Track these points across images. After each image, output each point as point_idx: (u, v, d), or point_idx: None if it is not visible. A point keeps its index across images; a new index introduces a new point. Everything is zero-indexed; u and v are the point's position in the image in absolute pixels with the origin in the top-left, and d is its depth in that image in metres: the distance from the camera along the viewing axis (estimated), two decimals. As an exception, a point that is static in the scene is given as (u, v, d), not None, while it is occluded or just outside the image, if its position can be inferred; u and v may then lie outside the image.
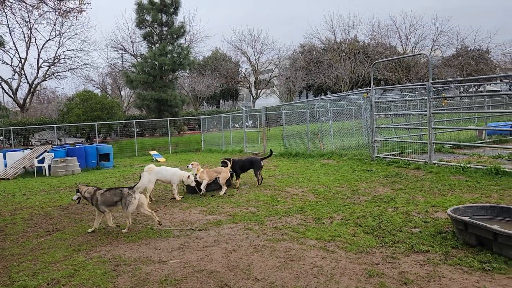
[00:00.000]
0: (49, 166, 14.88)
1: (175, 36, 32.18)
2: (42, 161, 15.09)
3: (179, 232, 5.55)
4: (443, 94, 12.02)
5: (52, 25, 32.11)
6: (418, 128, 12.31)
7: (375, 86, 10.93)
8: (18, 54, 33.54)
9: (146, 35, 31.97)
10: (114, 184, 11.06)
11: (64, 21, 29.17)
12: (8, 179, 13.82)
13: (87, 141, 25.88)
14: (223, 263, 4.22)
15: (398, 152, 10.95)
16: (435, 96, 10.03)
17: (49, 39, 34.23)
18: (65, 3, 6.67)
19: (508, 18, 67.20)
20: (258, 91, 50.72)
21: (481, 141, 12.38)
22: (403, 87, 16.42)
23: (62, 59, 35.78)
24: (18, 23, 29.63)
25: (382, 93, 30.27)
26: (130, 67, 39.57)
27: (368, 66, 40.98)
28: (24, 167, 15.01)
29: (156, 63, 30.33)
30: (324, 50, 47.20)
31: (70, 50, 36.69)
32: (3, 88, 33.83)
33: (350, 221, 5.42)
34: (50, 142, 25.55)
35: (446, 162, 9.03)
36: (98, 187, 6.14)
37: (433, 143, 9.37)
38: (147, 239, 5.33)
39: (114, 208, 5.87)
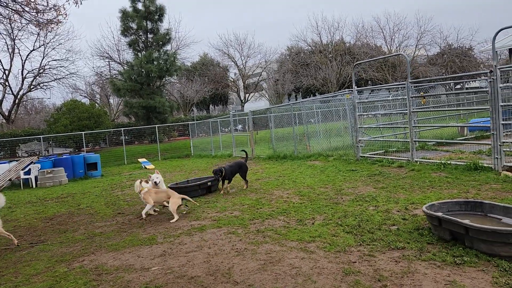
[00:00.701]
0: (36, 178, 14.75)
1: (161, 43, 32.14)
2: (28, 172, 14.95)
3: (163, 239, 5.58)
4: (422, 93, 12.23)
5: (36, 36, 31.81)
6: (400, 127, 12.50)
7: (363, 86, 11.09)
8: (2, 65, 33.15)
9: (132, 42, 31.88)
10: (101, 193, 11.02)
11: (47, 32, 28.94)
12: (-6, 192, 13.66)
13: (76, 151, 25.67)
14: (204, 268, 4.27)
15: (383, 151, 11.11)
16: (414, 95, 10.21)
17: (33, 50, 33.87)
18: (42, 15, 6.68)
19: (488, 15, 68.51)
20: (247, 95, 50.87)
21: (463, 138, 12.61)
22: (383, 87, 16.69)
23: (48, 69, 35.44)
24: (0, 34, 29.31)
25: (370, 93, 30.65)
26: (117, 75, 39.37)
27: (355, 67, 41.43)
28: (10, 180, 14.84)
29: (142, 70, 30.25)
30: (311, 52, 47.59)
31: (55, 60, 36.26)
32: (-13, 100, 33.36)
33: (331, 221, 5.50)
34: (37, 153, 25.26)
35: (428, 159, 9.20)
36: None
37: (415, 141, 9.54)
38: (130, 247, 5.35)
39: None
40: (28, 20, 6.62)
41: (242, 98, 51.03)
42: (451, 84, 32.62)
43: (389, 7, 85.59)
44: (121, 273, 4.37)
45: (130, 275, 4.28)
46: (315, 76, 43.25)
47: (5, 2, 7.66)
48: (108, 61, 42.22)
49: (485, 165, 7.70)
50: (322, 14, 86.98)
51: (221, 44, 62.17)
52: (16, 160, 17.27)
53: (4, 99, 34.10)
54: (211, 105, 59.18)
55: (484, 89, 8.02)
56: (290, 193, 7.78)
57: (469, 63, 42.10)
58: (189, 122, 26.67)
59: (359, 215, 5.63)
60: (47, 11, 7.61)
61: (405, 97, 9.41)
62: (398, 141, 11.47)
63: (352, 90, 11.42)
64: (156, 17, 31.34)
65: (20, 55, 34.45)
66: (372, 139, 11.88)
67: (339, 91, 35.67)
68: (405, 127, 11.18)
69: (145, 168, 17.88)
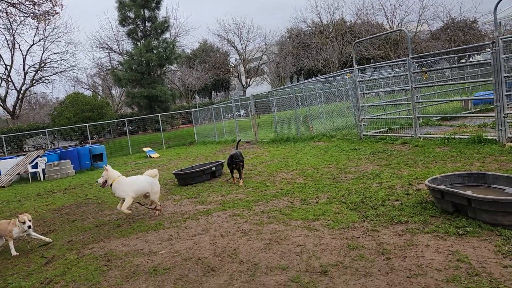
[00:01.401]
0: (43, 171, 14.94)
1: (159, 31, 31.90)
2: (35, 166, 15.13)
3: (169, 224, 5.66)
4: (423, 68, 12.07)
5: (35, 30, 31.71)
6: (403, 104, 12.41)
7: (365, 65, 10.97)
8: (3, 61, 33.21)
9: (130, 32, 31.68)
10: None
11: (46, 25, 28.80)
12: (4, 186, 13.87)
13: (81, 143, 25.86)
14: (210, 250, 4.34)
15: (386, 129, 11.06)
16: (416, 71, 10.09)
17: (33, 44, 33.86)
18: (39, 7, 6.64)
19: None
20: (249, 79, 50.57)
21: (467, 112, 12.50)
22: (384, 64, 16.49)
23: (48, 63, 35.47)
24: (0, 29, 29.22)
25: (373, 71, 30.26)
26: (117, 66, 39.27)
27: (355, 45, 40.89)
28: (18, 174, 15.06)
29: (142, 59, 30.15)
30: (311, 33, 46.96)
31: (55, 54, 36.29)
32: (-9, 97, 33.57)
33: (335, 200, 5.54)
34: (43, 147, 25.51)
35: (432, 135, 9.15)
36: None
37: (418, 117, 9.48)
38: (138, 233, 5.44)
39: None
40: (25, 12, 6.60)
41: (244, 83, 50.76)
42: (455, 58, 32.13)
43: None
44: (129, 258, 4.46)
45: (139, 259, 4.37)
46: (316, 57, 42.78)
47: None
48: (108, 52, 42.10)
49: (489, 137, 7.65)
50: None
51: (220, 29, 61.53)
52: (23, 155, 17.47)
53: (8, 95, 34.30)
54: (213, 91, 59.04)
55: (487, 61, 7.88)
56: (294, 174, 7.81)
57: (473, 36, 41.30)
58: (192, 110, 26.66)
59: (362, 192, 5.66)
60: (43, 2, 7.58)
61: (407, 73, 9.30)
62: (401, 118, 11.40)
63: (353, 69, 11.30)
64: (153, 4, 31.04)
65: (20, 50, 34.54)
66: (375, 117, 11.82)
67: (342, 70, 35.32)
68: (407, 103, 11.08)
69: (150, 157, 18.00)
